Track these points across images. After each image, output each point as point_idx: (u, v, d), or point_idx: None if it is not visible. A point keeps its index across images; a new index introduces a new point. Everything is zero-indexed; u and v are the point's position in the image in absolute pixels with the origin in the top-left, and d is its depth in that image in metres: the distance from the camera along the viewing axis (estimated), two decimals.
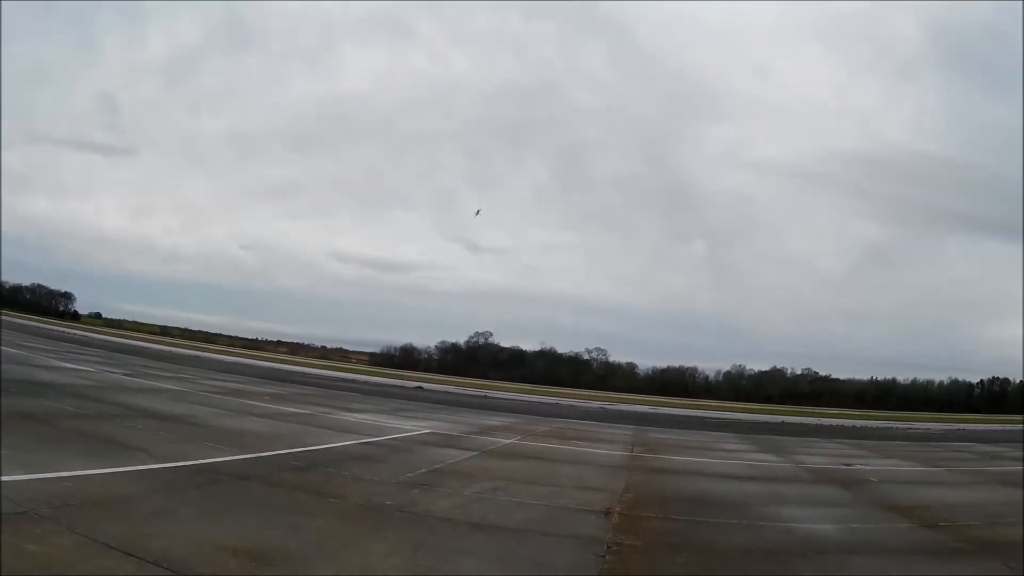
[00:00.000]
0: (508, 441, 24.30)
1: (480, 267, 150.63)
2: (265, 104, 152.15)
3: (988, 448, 36.64)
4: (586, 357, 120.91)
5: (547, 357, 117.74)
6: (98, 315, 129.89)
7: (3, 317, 78.91)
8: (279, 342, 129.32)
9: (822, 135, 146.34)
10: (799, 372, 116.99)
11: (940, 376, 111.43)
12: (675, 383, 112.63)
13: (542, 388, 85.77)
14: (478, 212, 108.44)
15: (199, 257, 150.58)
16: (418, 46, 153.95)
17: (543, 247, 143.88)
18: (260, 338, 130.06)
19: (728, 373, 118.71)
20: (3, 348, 35.13)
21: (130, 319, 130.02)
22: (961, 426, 62.69)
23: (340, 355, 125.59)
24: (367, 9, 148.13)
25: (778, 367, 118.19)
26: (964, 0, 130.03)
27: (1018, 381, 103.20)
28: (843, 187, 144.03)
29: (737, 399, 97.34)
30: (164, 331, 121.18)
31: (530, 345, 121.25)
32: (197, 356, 74.73)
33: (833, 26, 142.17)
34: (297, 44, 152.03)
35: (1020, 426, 62.34)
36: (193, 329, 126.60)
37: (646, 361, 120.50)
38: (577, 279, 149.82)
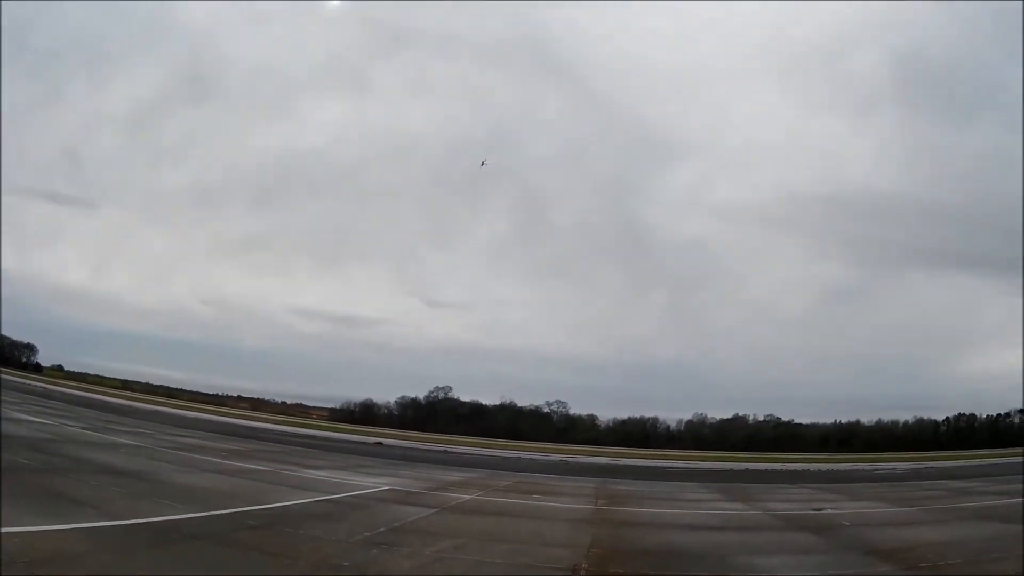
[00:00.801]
0: (469, 497, 23.87)
1: (439, 322, 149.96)
2: (225, 158, 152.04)
3: (959, 484, 36.29)
4: (546, 410, 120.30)
5: (507, 411, 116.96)
6: (60, 367, 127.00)
7: None
8: (240, 397, 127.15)
9: (781, 177, 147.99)
10: (761, 418, 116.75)
11: (905, 415, 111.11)
12: (636, 433, 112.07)
13: (503, 442, 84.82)
14: (483, 163, 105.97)
15: (160, 312, 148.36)
16: (376, 99, 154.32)
17: (502, 301, 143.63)
18: (221, 393, 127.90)
19: (690, 422, 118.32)
20: None
21: (92, 372, 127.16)
22: (929, 464, 62.51)
23: (300, 411, 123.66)
24: (325, 61, 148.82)
25: (740, 414, 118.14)
26: (928, 30, 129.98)
27: (984, 416, 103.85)
28: (803, 228, 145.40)
29: (699, 448, 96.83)
30: (126, 385, 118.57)
31: (490, 399, 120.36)
32: (158, 411, 73.04)
33: (791, 66, 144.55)
34: (256, 97, 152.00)
35: (989, 460, 62.76)
36: (155, 384, 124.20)
37: (607, 412, 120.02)
38: (536, 332, 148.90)
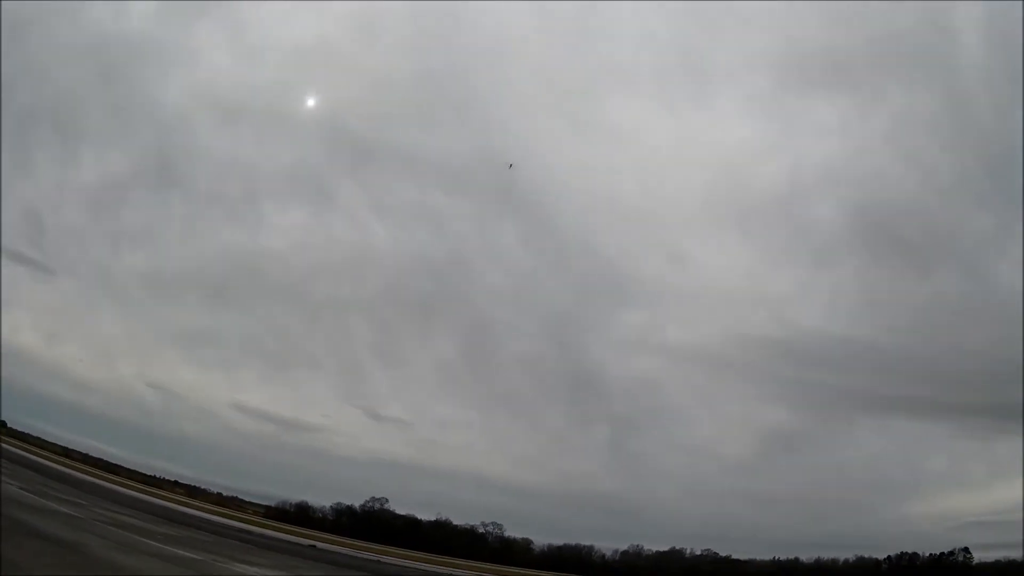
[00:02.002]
0: None
1: (380, 435, 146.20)
2: (184, 248, 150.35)
3: None
4: (481, 531, 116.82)
5: (443, 528, 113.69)
6: (3, 424, 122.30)
7: None
8: (177, 483, 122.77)
9: (734, 321, 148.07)
10: (699, 552, 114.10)
11: (846, 554, 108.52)
12: (571, 560, 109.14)
13: (436, 558, 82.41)
14: (511, 166, 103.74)
15: (106, 389, 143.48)
16: (338, 210, 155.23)
17: (444, 423, 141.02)
18: (159, 476, 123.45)
19: (625, 552, 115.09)
20: None
21: (35, 434, 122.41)
22: None
23: (236, 504, 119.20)
24: (291, 166, 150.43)
25: (677, 547, 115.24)
26: (887, 181, 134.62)
27: (927, 554, 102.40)
28: (753, 372, 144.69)
29: None
30: (66, 453, 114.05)
31: (426, 515, 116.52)
32: (96, 484, 70.26)
33: (751, 212, 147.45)
34: (220, 193, 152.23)
35: None
36: (94, 456, 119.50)
37: (542, 537, 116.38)
38: (476, 455, 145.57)
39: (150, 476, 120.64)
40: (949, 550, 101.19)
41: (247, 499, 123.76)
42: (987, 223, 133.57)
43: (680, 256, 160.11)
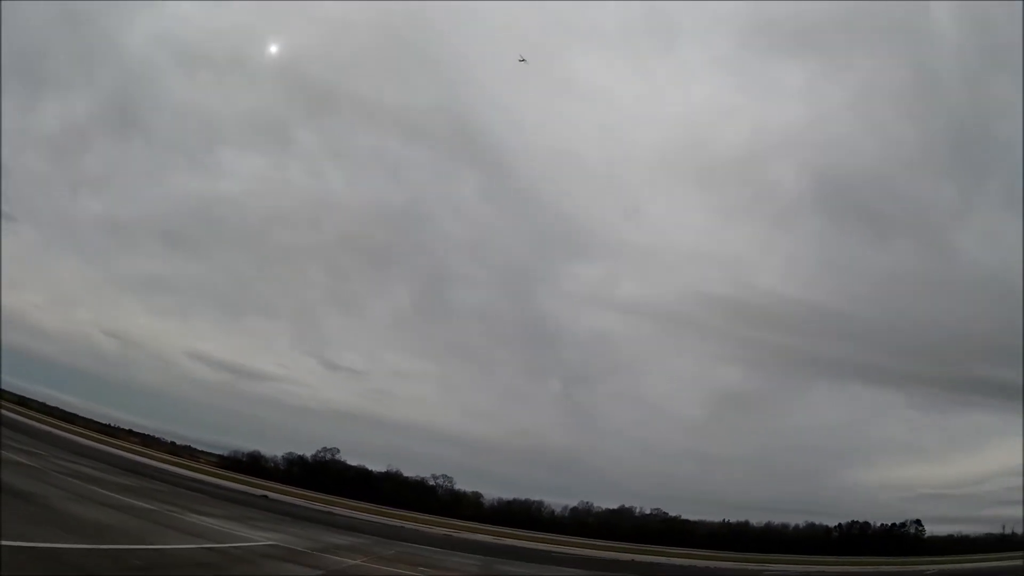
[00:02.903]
0: (354, 562, 23.40)
1: (334, 385, 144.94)
2: (143, 195, 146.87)
3: None
4: (432, 483, 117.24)
5: (393, 480, 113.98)
6: None
7: None
8: (132, 432, 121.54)
9: (691, 279, 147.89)
10: (648, 512, 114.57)
11: (796, 519, 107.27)
12: (521, 515, 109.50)
13: (387, 510, 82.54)
14: (522, 59, 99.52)
15: (63, 337, 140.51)
16: (296, 157, 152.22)
17: (398, 373, 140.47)
18: (114, 425, 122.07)
19: (575, 509, 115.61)
20: None
21: None
22: (820, 568, 61.19)
23: (189, 454, 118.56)
24: (251, 112, 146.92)
25: (627, 506, 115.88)
26: (853, 149, 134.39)
27: (878, 524, 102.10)
28: (707, 330, 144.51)
29: (584, 535, 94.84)
30: (23, 402, 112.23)
31: (376, 466, 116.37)
32: (52, 433, 69.48)
33: (710, 171, 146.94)
34: (180, 139, 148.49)
35: (883, 568, 63.77)
36: (51, 405, 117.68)
37: (492, 491, 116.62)
38: (429, 407, 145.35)
39: (106, 425, 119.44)
40: (901, 521, 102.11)
41: (200, 448, 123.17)
42: (950, 195, 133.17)
43: (638, 212, 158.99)
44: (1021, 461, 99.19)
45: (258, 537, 24.49)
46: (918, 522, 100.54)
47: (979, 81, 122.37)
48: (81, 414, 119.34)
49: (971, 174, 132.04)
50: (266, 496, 63.38)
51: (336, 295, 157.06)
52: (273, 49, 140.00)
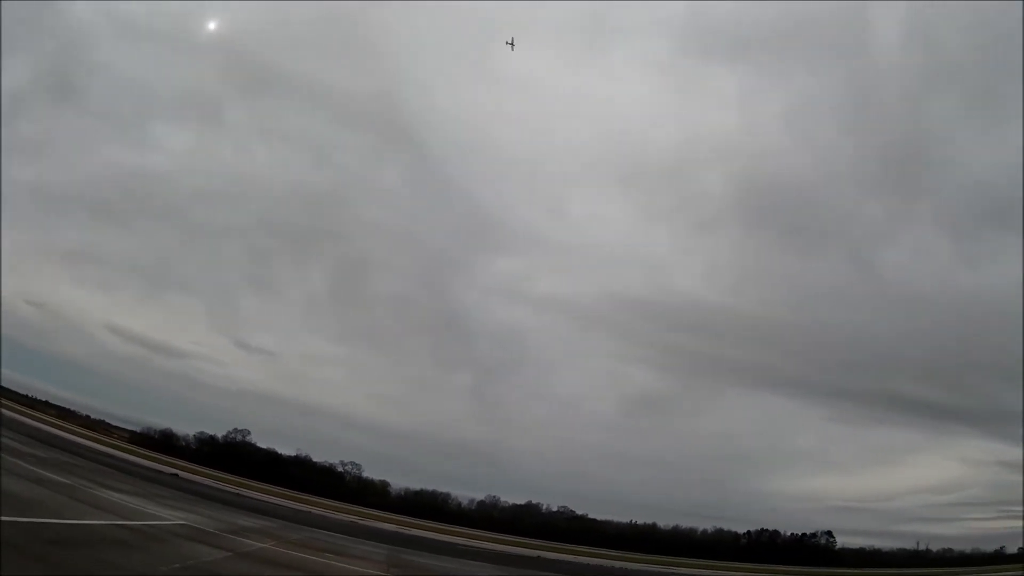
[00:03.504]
0: (262, 545, 23.64)
1: (246, 365, 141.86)
2: (73, 164, 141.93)
3: None
4: (340, 470, 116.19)
5: (302, 464, 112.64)
6: None
7: None
8: (48, 403, 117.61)
9: (608, 278, 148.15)
10: (555, 508, 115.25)
11: (704, 524, 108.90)
12: (427, 505, 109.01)
13: (294, 494, 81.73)
14: (512, 44, 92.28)
15: None
16: (227, 135, 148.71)
17: (312, 357, 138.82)
18: (31, 396, 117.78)
19: (482, 502, 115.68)
20: None
21: None
22: (729, 574, 61.96)
23: (103, 428, 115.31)
24: (186, 88, 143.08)
25: (534, 502, 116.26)
26: (780, 159, 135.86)
27: (788, 534, 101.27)
28: (623, 331, 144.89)
29: (490, 529, 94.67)
30: None
31: (286, 449, 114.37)
32: None
33: (637, 175, 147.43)
34: (114, 110, 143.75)
35: None
36: None
37: (400, 481, 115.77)
38: (340, 393, 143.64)
39: (23, 395, 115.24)
40: (812, 531, 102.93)
41: (113, 423, 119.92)
42: (877, 211, 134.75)
43: (560, 209, 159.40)
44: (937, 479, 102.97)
45: (168, 516, 24.49)
46: (829, 533, 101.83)
47: (917, 100, 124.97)
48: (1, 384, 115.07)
49: (903, 192, 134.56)
50: (176, 475, 62.35)
51: (254, 276, 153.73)
52: (212, 25, 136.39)
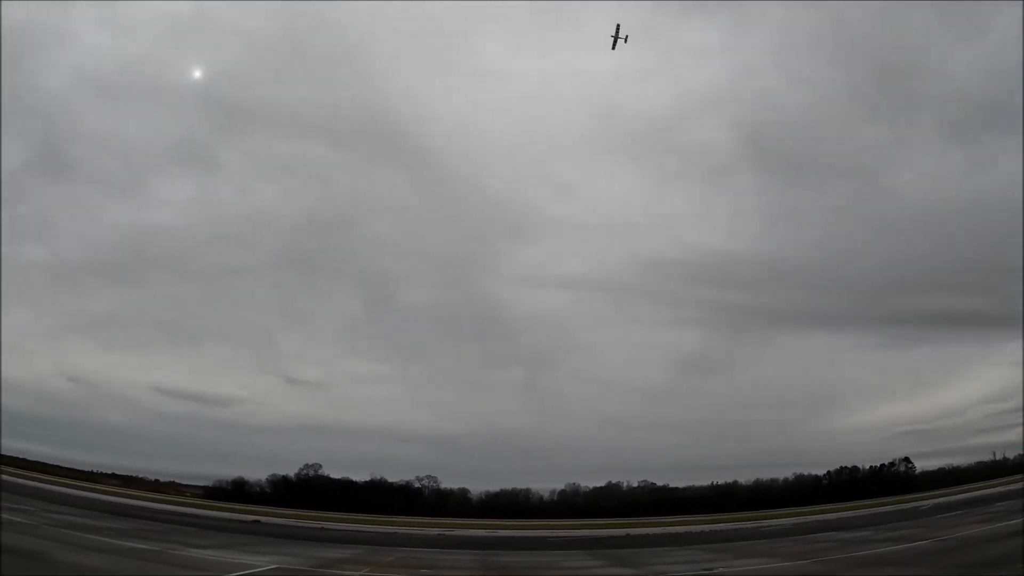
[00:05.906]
0: (358, 574, 23.19)
1: (298, 399, 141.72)
2: (80, 233, 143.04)
3: (847, 535, 35.29)
4: (417, 485, 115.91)
5: (378, 487, 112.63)
6: None
7: None
8: (113, 475, 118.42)
9: (634, 247, 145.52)
10: (635, 484, 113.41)
11: (784, 473, 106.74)
12: (509, 505, 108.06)
13: (376, 518, 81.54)
14: (622, 36, 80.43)
15: (27, 388, 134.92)
16: (225, 178, 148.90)
17: (357, 378, 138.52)
18: (95, 471, 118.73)
19: (563, 491, 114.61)
20: None
21: None
22: (815, 518, 60.39)
23: (174, 489, 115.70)
24: (175, 139, 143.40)
25: (613, 481, 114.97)
26: (775, 100, 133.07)
27: (867, 467, 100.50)
28: (659, 297, 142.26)
29: (575, 516, 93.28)
30: (2, 460, 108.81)
31: (360, 476, 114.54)
32: (35, 487, 67.39)
33: (637, 140, 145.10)
34: (109, 173, 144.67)
35: (878, 509, 61.81)
36: (29, 459, 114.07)
37: (478, 486, 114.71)
38: (396, 409, 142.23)
39: (85, 472, 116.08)
40: (889, 461, 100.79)
41: (184, 482, 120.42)
42: (882, 134, 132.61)
43: (567, 187, 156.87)
44: (997, 387, 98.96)
45: (258, 562, 24.16)
46: (907, 459, 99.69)
47: (889, 16, 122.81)
48: (60, 464, 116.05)
49: (901, 110, 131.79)
50: (258, 521, 62.30)
51: (283, 310, 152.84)
52: (194, 74, 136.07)
